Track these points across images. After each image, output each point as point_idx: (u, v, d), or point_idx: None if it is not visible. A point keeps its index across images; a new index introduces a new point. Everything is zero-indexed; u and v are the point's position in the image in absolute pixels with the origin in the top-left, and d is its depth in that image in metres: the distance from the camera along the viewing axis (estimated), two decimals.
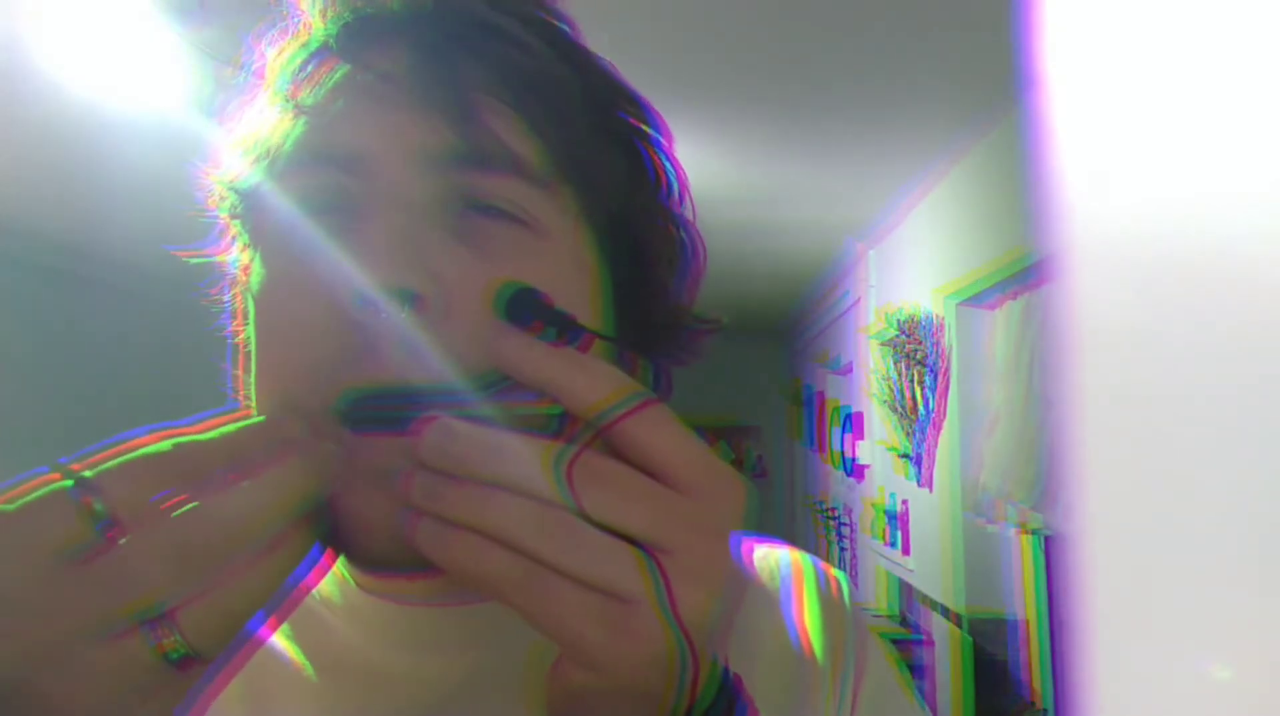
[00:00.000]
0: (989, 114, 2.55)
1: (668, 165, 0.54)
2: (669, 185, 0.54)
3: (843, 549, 4.98)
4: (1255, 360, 0.33)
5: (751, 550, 0.64)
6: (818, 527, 5.84)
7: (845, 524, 4.93)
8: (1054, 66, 0.44)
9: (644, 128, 0.53)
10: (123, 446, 0.36)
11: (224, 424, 0.38)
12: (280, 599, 0.38)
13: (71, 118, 2.62)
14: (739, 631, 0.54)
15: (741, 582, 0.57)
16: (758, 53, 2.32)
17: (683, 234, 0.56)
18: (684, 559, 0.36)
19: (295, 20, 0.48)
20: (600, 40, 0.52)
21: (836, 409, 5.11)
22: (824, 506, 5.64)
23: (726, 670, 0.39)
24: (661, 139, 0.54)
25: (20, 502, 0.34)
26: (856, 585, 4.59)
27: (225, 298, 0.54)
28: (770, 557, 0.64)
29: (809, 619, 0.60)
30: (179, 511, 0.35)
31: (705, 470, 0.37)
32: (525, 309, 0.41)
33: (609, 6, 2.01)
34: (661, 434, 0.37)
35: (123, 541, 0.34)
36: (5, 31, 2.16)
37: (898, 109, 2.67)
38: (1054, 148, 0.44)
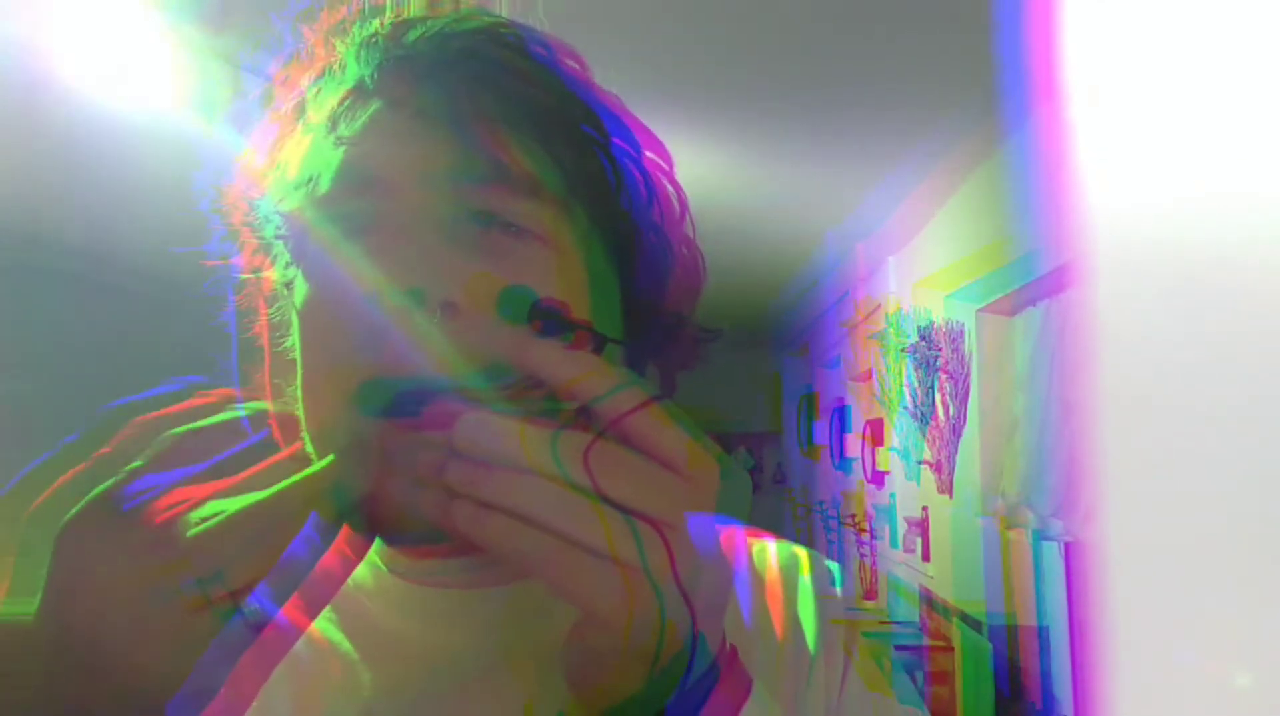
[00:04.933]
0: (997, 121, 2.54)
1: (670, 187, 0.60)
2: (672, 205, 0.60)
3: (863, 556, 4.96)
4: (1275, 367, 0.33)
5: (748, 542, 0.68)
6: (834, 533, 5.81)
7: (861, 530, 4.91)
8: (1073, 74, 0.44)
9: (650, 153, 0.59)
10: (143, 421, 0.44)
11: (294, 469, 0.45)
12: (298, 580, 0.44)
13: (82, 122, 2.64)
14: (733, 617, 0.59)
15: (727, 559, 0.64)
16: (755, 53, 2.32)
17: (684, 249, 0.61)
18: (684, 533, 0.41)
19: (305, 51, 0.55)
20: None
21: (832, 410, 5.10)
22: (823, 508, 5.63)
23: (723, 641, 0.45)
24: (665, 163, 0.60)
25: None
26: (877, 591, 4.57)
27: (241, 305, 0.60)
28: (766, 549, 0.68)
29: (801, 606, 0.64)
30: (241, 503, 0.42)
31: (697, 458, 0.42)
32: (543, 315, 0.47)
33: (603, 9, 2.02)
34: (661, 427, 0.42)
35: (190, 529, 0.40)
36: (15, 36, 2.18)
37: (899, 110, 2.66)
38: (1073, 156, 0.44)
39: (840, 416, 5.21)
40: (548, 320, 0.47)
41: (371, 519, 0.47)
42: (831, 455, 5.48)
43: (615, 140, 0.56)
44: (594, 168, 0.55)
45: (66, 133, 2.75)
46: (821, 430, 5.78)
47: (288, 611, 0.45)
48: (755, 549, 0.67)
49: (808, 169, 3.25)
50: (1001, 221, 2.76)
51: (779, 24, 2.16)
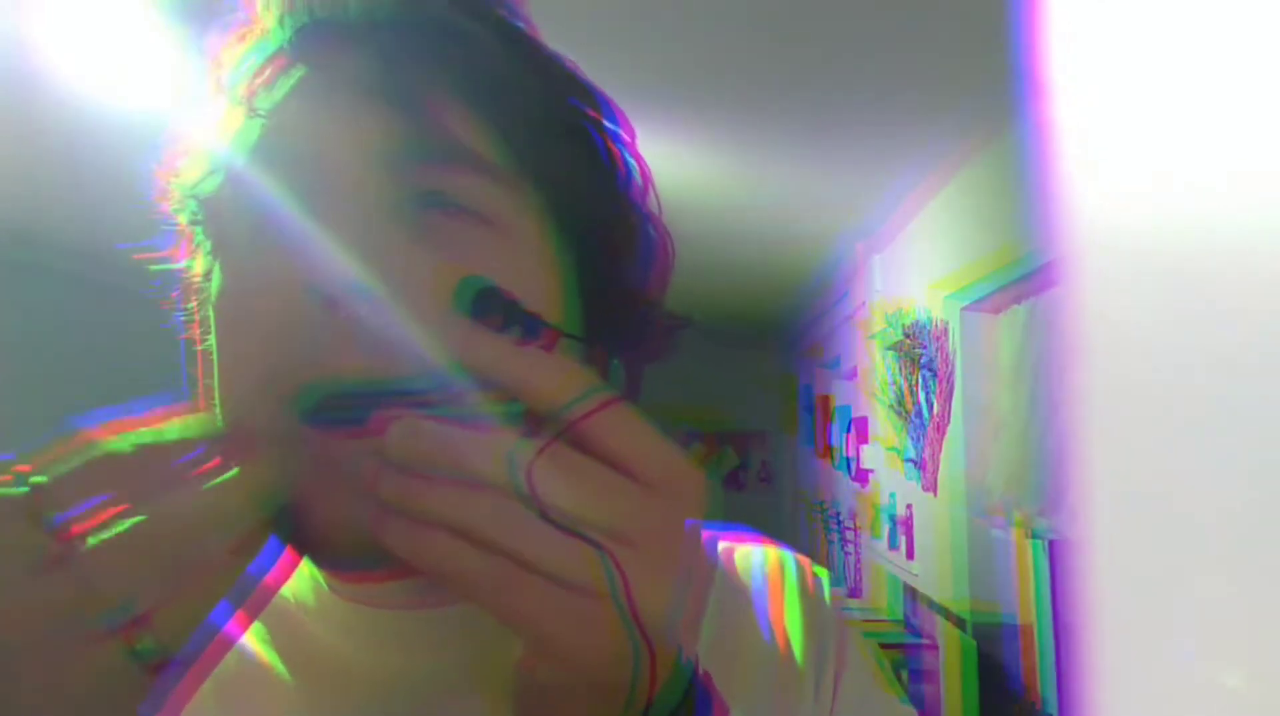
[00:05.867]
0: (994, 118, 2.55)
1: (630, 160, 0.54)
2: (631, 179, 0.54)
3: (847, 553, 4.97)
4: (1261, 364, 0.33)
5: (732, 547, 0.64)
6: (821, 531, 5.83)
7: (849, 528, 4.93)
8: (1060, 71, 0.44)
9: (605, 122, 0.53)
10: (76, 440, 0.37)
11: (178, 420, 0.39)
12: (243, 594, 0.39)
13: (80, 121, 2.63)
14: (717, 630, 0.55)
15: (707, 575, 0.56)
16: (756, 53, 2.33)
17: (650, 228, 0.55)
18: (646, 552, 0.36)
19: (244, 20, 0.48)
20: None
21: (835, 409, 5.12)
22: (822, 505, 5.64)
23: (695, 668, 0.39)
24: (621, 133, 0.54)
25: None
26: (861, 590, 4.58)
27: (180, 302, 0.53)
28: (751, 555, 0.64)
29: (788, 616, 0.60)
30: (139, 516, 0.35)
31: (667, 464, 0.37)
32: (489, 306, 0.42)
33: (606, 8, 2.02)
34: (624, 431, 0.37)
35: (88, 545, 0.34)
36: (9, 35, 2.16)
37: (901, 111, 2.67)
38: (1060, 153, 0.44)
39: (837, 415, 5.23)
40: (498, 312, 0.42)
41: (300, 538, 0.41)
42: (820, 453, 5.50)
43: (580, 107, 0.51)
44: (560, 139, 0.50)
45: (64, 131, 2.73)
46: (819, 429, 5.79)
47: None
48: (739, 555, 0.63)
49: (816, 169, 3.26)
50: (987, 219, 2.77)
51: (787, 24, 2.16)
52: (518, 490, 0.35)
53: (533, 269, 0.47)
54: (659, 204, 0.56)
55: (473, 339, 0.39)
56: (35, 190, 3.43)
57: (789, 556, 0.65)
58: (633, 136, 0.55)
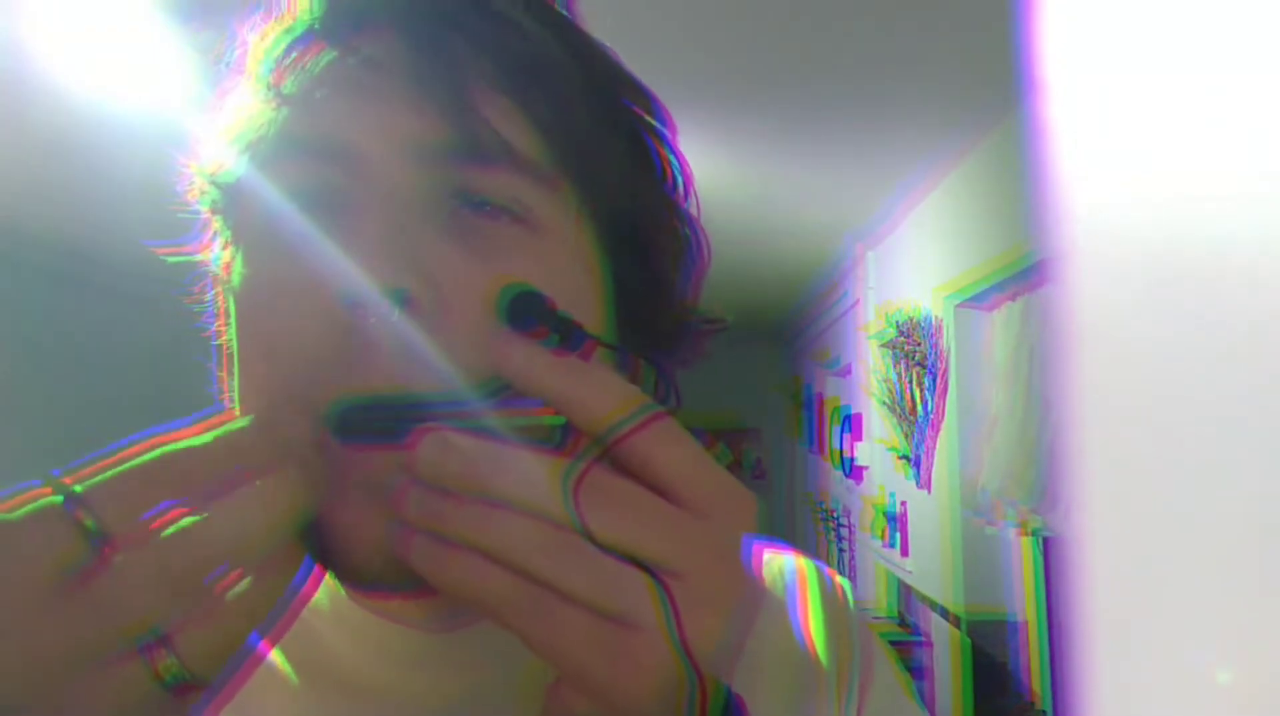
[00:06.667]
0: (989, 115, 2.55)
1: (673, 158, 0.52)
2: (674, 178, 0.52)
3: (841, 550, 4.98)
4: (1255, 362, 0.33)
5: (755, 556, 0.62)
6: (817, 528, 5.84)
7: (844, 524, 4.93)
8: (1054, 68, 0.44)
9: (649, 118, 0.50)
10: (114, 457, 0.34)
11: (213, 427, 0.36)
12: (277, 615, 0.37)
13: (74, 121, 2.62)
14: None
15: (755, 604, 0.54)
16: (757, 52, 2.32)
17: (688, 230, 0.53)
18: (695, 583, 0.34)
19: (278, 4, 0.45)
20: (597, 37, 0.50)
21: (836, 409, 5.13)
22: (823, 506, 5.65)
23: (730, 694, 0.37)
24: (666, 130, 0.51)
25: (7, 518, 0.32)
26: (855, 585, 4.60)
27: (208, 296, 0.51)
28: (774, 564, 0.62)
29: (814, 626, 0.58)
30: (171, 530, 0.33)
31: (716, 488, 0.35)
32: (527, 313, 0.39)
33: (606, 5, 2.01)
34: (671, 450, 0.35)
35: (115, 562, 0.32)
36: (6, 35, 2.16)
37: (897, 109, 2.67)
38: (1054, 149, 0.44)
39: (836, 415, 5.24)
40: (538, 320, 0.39)
41: (326, 553, 0.39)
42: (816, 451, 5.51)
43: (630, 105, 0.48)
44: (636, 154, 0.48)
45: (57, 130, 2.72)
46: (818, 428, 5.80)
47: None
48: (765, 565, 0.61)
49: (816, 168, 3.26)
50: (983, 216, 2.78)
51: (797, 26, 2.16)
52: (558, 512, 0.33)
53: (572, 273, 0.45)
54: (698, 206, 0.53)
55: (511, 349, 0.37)
56: (23, 188, 3.41)
57: (812, 564, 0.63)
58: (675, 133, 0.52)
